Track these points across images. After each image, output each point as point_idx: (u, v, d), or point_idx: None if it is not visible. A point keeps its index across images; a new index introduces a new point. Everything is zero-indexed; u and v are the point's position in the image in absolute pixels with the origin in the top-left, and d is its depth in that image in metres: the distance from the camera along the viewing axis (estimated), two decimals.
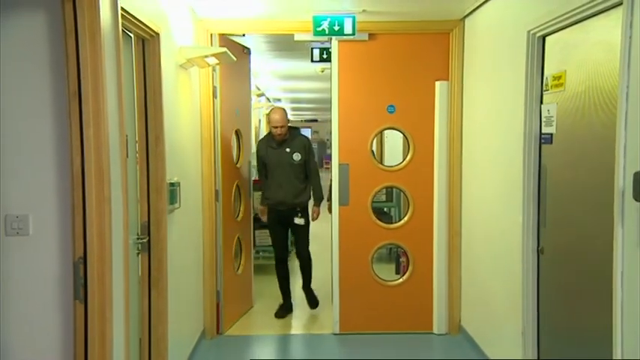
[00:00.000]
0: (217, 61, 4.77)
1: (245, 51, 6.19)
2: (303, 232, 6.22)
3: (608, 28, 2.87)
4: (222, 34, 5.36)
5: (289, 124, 6.20)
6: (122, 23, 3.05)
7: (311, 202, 6.36)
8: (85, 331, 2.72)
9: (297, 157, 6.00)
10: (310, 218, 6.28)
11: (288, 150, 6.01)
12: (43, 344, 2.72)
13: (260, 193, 6.51)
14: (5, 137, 2.58)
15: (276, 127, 5.99)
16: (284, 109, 6.28)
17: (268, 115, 6.32)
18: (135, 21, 3.31)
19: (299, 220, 6.09)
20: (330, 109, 5.58)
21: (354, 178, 5.51)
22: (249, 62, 6.55)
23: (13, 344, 2.64)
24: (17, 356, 2.68)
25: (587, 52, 3.16)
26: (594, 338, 3.14)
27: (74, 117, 2.64)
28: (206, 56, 4.61)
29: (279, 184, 6.07)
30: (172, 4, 4.27)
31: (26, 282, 2.68)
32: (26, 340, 2.70)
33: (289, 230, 6.49)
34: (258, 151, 6.37)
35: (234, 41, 5.68)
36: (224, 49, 4.61)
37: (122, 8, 3.01)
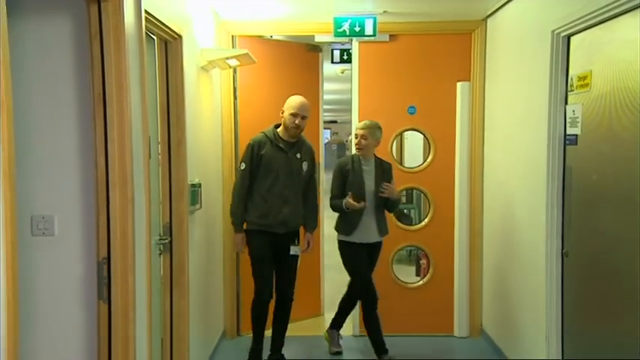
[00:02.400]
0: (238, 63, 4.79)
1: (309, 48, 5.97)
2: (294, 266, 4.86)
3: (634, 27, 2.85)
4: (246, 36, 5.38)
5: None
6: (146, 26, 3.07)
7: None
8: (109, 330, 2.74)
9: (305, 166, 4.77)
10: (301, 250, 4.91)
11: (298, 156, 4.72)
12: (67, 343, 2.75)
13: (239, 211, 4.69)
14: (31, 139, 2.61)
15: (296, 117, 4.55)
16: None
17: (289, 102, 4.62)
18: (158, 23, 3.34)
19: (295, 249, 4.78)
20: (350, 111, 5.59)
21: None
22: (319, 61, 6.18)
23: (37, 343, 2.66)
24: (42, 355, 2.71)
25: (614, 52, 3.14)
26: (620, 344, 3.11)
27: (98, 119, 2.67)
28: (227, 58, 4.64)
29: (283, 199, 4.65)
30: (195, 7, 4.30)
31: (51, 281, 2.70)
32: (51, 339, 2.72)
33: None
34: (252, 149, 4.62)
35: (290, 42, 5.66)
36: (245, 51, 4.63)
37: (146, 11, 3.03)
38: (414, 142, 6.26)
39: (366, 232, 4.86)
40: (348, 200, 4.66)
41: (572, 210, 3.68)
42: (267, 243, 4.66)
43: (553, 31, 3.65)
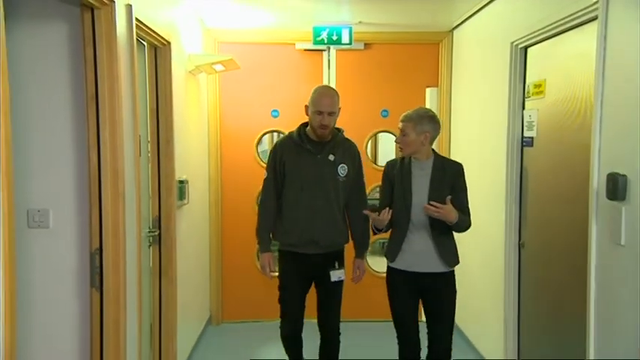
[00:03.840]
0: (224, 68, 4.77)
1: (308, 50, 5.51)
2: (337, 293, 3.72)
3: (584, 41, 2.90)
4: (231, 43, 5.35)
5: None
6: (136, 32, 3.06)
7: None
8: (101, 316, 2.75)
9: (343, 171, 3.61)
10: (344, 275, 3.71)
11: (332, 158, 3.60)
12: (62, 328, 2.74)
13: (264, 228, 3.74)
14: (28, 137, 2.60)
15: (321, 115, 3.48)
16: (335, 90, 3.71)
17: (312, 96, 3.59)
18: (148, 30, 3.33)
19: (337, 274, 3.64)
20: None
21: None
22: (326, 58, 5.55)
23: (33, 329, 2.66)
24: (37, 340, 2.70)
25: (566, 63, 3.19)
26: (570, 324, 3.17)
27: (92, 118, 2.66)
28: (213, 63, 4.62)
29: (312, 213, 3.57)
30: (183, 15, 4.28)
31: (46, 271, 2.69)
32: (46, 326, 2.72)
33: (312, 288, 3.80)
34: (275, 155, 3.71)
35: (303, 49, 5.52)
36: (229, 57, 4.60)
37: (137, 19, 3.03)
38: (386, 143, 6.27)
39: (416, 257, 3.35)
40: (367, 212, 3.36)
41: (527, 205, 3.74)
42: (297, 266, 3.64)
43: (512, 43, 3.71)
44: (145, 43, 3.55)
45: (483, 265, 4.42)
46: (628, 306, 2.42)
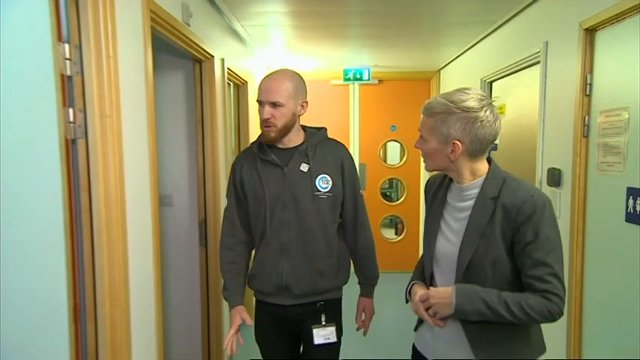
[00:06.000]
0: None
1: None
2: (328, 357, 1.81)
3: (531, 77, 2.89)
4: None
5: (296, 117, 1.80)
6: (227, 77, 3.12)
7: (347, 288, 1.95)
8: (207, 267, 2.81)
9: (325, 183, 1.77)
10: (336, 335, 1.80)
11: (304, 169, 1.76)
12: (185, 269, 2.81)
13: (228, 272, 1.83)
14: (160, 145, 2.67)
15: (262, 106, 1.73)
16: (292, 73, 1.85)
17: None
18: (234, 75, 3.39)
19: (324, 334, 1.78)
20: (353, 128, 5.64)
21: (369, 172, 5.56)
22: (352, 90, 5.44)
23: (169, 269, 2.69)
24: (172, 274, 2.75)
25: (519, 92, 3.18)
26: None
27: (199, 134, 2.74)
28: None
29: (280, 247, 1.76)
30: (255, 63, 4.35)
31: (172, 233, 2.77)
32: (176, 267, 2.79)
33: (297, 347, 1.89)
34: (234, 173, 1.85)
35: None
36: None
37: (228, 68, 3.10)
38: (394, 149, 6.28)
39: (438, 343, 1.41)
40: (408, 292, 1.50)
41: None
42: (272, 318, 1.85)
43: (481, 79, 3.68)
44: (231, 83, 3.61)
45: None
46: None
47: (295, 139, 1.82)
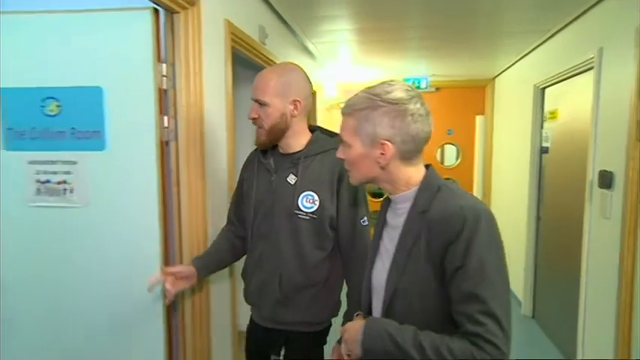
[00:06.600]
0: None
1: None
2: None
3: (585, 83, 2.75)
4: (351, 90, 5.45)
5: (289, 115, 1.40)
6: None
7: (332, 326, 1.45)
8: None
9: (309, 203, 1.33)
10: None
11: (291, 180, 1.37)
12: None
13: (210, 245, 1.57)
14: (239, 148, 2.69)
15: (252, 101, 1.35)
16: (285, 68, 1.41)
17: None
18: None
19: None
20: None
21: None
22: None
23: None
24: None
25: (572, 97, 3.04)
26: (568, 273, 3.04)
27: None
28: (340, 102, 4.76)
29: (255, 262, 1.43)
30: (325, 75, 4.46)
31: None
32: None
33: None
34: (242, 171, 1.56)
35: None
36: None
37: None
38: (449, 151, 6.12)
39: None
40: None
41: (544, 191, 3.57)
42: (251, 336, 1.55)
43: (535, 85, 3.56)
44: None
45: (510, 233, 4.25)
46: (611, 260, 2.32)
47: (295, 144, 1.41)
